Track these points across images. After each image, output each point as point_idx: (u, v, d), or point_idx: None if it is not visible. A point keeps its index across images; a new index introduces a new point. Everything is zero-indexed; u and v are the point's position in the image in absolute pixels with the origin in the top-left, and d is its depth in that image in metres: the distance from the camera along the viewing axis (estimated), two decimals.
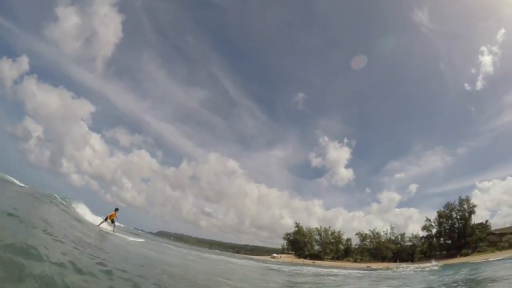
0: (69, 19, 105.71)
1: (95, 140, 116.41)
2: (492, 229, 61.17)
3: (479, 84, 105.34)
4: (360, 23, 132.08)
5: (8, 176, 26.27)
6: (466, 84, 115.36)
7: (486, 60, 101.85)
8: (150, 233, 75.69)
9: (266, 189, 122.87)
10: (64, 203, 18.20)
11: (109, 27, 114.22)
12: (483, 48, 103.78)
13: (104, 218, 18.61)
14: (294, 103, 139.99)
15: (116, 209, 19.06)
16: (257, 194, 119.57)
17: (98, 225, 17.52)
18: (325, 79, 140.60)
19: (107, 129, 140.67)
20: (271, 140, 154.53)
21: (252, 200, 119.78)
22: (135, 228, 60.81)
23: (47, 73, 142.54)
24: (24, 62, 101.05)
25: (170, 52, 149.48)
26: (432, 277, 17.67)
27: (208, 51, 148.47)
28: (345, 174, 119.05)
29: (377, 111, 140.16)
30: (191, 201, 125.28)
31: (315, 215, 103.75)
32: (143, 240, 20.94)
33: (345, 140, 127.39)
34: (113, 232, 17.57)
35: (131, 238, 18.92)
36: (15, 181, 24.99)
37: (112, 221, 18.53)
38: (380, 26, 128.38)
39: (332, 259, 79.70)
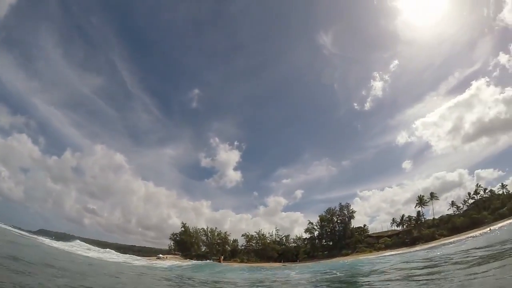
0: None
1: None
2: (371, 232, 70.38)
3: (368, 105, 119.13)
4: (268, 34, 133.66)
5: None
6: (355, 104, 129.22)
7: (377, 85, 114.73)
8: (30, 231, 58.05)
9: (154, 188, 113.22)
10: None
11: None
12: (376, 74, 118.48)
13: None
14: (188, 99, 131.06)
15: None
16: (144, 192, 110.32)
17: None
18: (224, 80, 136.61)
19: None
20: (163, 137, 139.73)
21: (139, 198, 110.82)
22: (12, 226, 50.94)
23: None
24: None
25: (70, 30, 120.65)
26: None
27: (110, 37, 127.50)
28: (234, 176, 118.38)
29: (270, 119, 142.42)
30: (74, 197, 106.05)
31: (203, 215, 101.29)
32: None
33: (236, 143, 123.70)
34: None
35: None
36: None
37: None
38: (286, 40, 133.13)
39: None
